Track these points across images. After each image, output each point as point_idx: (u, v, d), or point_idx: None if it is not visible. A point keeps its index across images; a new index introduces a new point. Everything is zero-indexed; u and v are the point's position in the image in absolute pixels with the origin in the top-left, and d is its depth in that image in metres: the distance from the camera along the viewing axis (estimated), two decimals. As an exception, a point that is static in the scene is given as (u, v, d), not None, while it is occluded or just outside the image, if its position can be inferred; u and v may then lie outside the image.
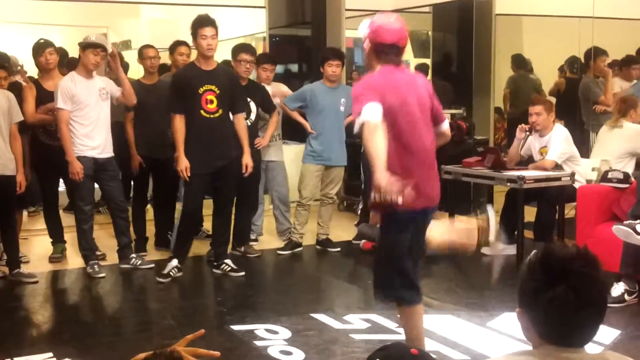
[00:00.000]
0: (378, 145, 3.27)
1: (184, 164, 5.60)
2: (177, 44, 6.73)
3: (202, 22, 5.60)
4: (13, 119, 5.66)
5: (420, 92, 3.67)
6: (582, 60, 8.50)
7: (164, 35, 8.55)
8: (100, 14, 9.54)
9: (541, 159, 6.26)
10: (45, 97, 5.98)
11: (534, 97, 7.81)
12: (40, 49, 6.11)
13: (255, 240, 6.93)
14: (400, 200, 3.17)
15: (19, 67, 7.68)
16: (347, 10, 8.71)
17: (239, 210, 6.54)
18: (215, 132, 5.66)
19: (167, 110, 5.72)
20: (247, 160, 5.87)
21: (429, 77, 9.12)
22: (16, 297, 5.46)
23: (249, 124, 6.34)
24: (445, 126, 3.84)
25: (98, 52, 5.76)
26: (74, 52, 6.20)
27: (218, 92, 5.64)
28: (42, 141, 6.12)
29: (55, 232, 6.41)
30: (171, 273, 5.70)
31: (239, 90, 5.95)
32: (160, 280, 5.65)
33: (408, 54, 10.15)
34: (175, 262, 5.75)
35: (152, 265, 6.06)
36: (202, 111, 5.61)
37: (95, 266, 5.92)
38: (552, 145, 6.22)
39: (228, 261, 5.95)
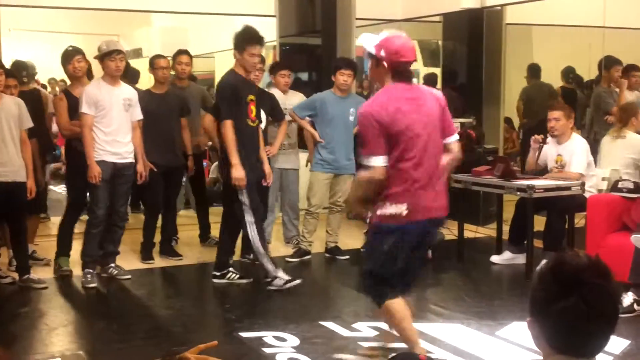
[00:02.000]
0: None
1: (240, 173, 5.49)
2: (179, 52, 6.92)
3: (252, 39, 5.53)
4: (23, 125, 5.69)
5: (429, 108, 3.74)
6: (577, 70, 8.50)
7: (174, 43, 8.60)
8: (112, 22, 9.61)
9: (556, 167, 6.23)
10: (75, 104, 5.90)
11: (553, 102, 7.73)
12: (68, 56, 6.08)
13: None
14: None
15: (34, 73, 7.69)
16: (357, 19, 8.72)
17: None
18: (257, 141, 5.77)
19: (218, 116, 5.62)
20: (268, 168, 5.95)
21: (439, 86, 9.11)
22: (26, 302, 5.49)
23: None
24: (452, 140, 3.86)
25: (115, 57, 5.76)
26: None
27: (256, 102, 5.71)
28: (78, 149, 5.99)
29: (64, 243, 6.24)
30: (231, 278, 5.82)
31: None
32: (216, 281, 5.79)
33: (417, 64, 10.16)
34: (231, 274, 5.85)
35: (129, 276, 6.02)
36: (248, 120, 5.63)
37: (88, 275, 5.83)
38: (574, 157, 6.17)
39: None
